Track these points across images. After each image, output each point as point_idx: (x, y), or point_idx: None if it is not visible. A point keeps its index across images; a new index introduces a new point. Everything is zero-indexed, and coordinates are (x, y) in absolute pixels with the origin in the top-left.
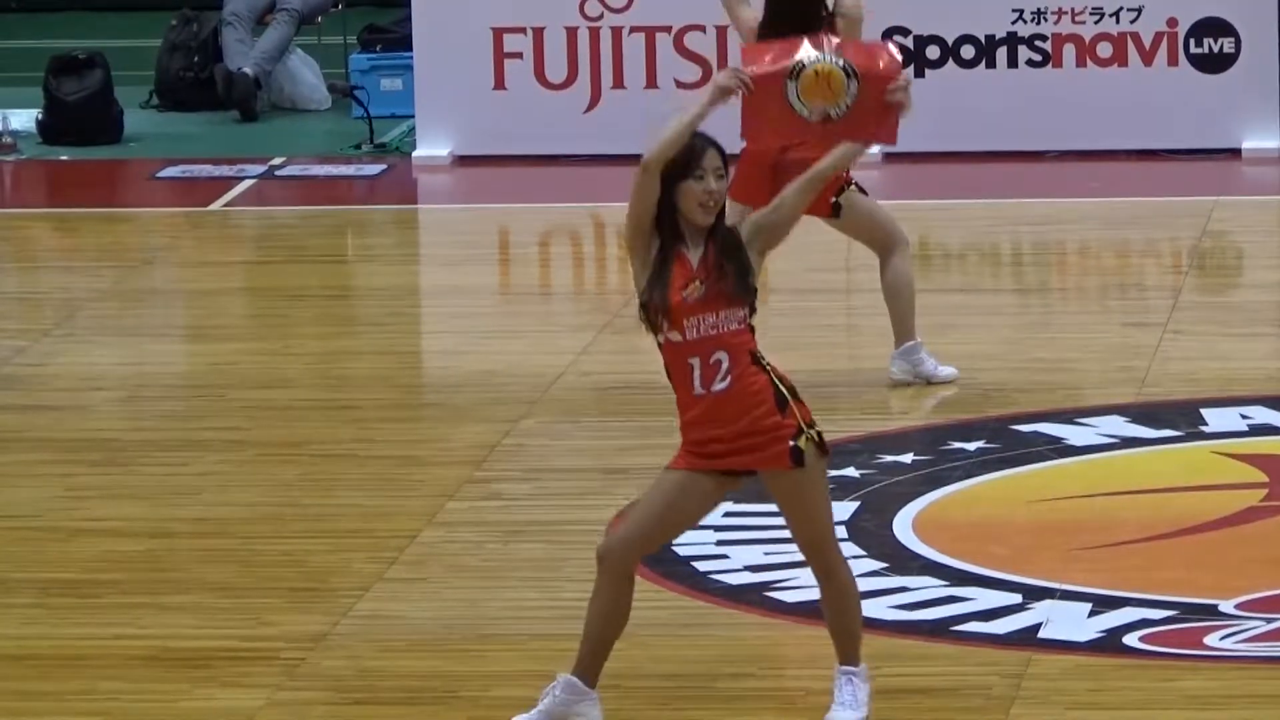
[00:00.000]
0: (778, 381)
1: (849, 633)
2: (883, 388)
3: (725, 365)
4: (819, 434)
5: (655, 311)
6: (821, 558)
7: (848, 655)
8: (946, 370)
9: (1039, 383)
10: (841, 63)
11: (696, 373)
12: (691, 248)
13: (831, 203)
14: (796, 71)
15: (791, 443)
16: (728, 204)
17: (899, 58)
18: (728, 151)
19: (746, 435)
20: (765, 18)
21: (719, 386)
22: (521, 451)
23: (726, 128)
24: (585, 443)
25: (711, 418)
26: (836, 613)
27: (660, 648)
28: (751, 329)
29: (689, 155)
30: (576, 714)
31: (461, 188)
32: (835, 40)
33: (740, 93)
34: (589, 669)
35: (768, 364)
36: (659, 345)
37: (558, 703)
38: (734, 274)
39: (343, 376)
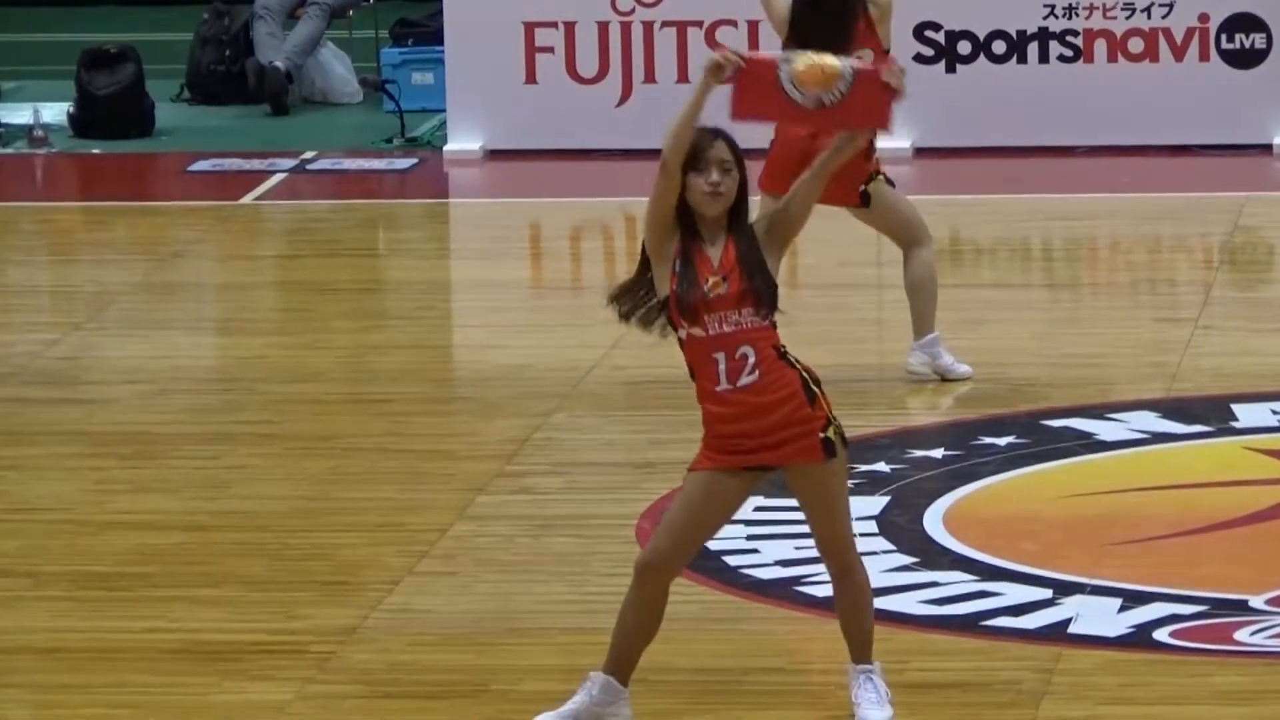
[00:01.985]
0: (805, 374)
1: (864, 631)
2: (914, 382)
3: (752, 360)
4: (840, 425)
5: (678, 307)
6: (840, 555)
7: (864, 654)
8: (963, 368)
9: (1070, 378)
10: (839, 58)
11: (722, 367)
12: (710, 244)
13: (860, 191)
14: (789, 58)
15: (822, 435)
16: (761, 198)
17: (899, 71)
18: (753, 147)
19: (779, 429)
20: (793, 18)
21: (746, 380)
22: (552, 445)
23: (747, 128)
24: (616, 437)
25: (743, 413)
26: (853, 612)
27: (691, 642)
28: (774, 324)
29: (695, 149)
30: (611, 714)
31: (492, 182)
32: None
33: (733, 71)
34: (622, 670)
35: (794, 357)
36: (680, 341)
37: (594, 702)
38: (753, 275)
39: (373, 370)
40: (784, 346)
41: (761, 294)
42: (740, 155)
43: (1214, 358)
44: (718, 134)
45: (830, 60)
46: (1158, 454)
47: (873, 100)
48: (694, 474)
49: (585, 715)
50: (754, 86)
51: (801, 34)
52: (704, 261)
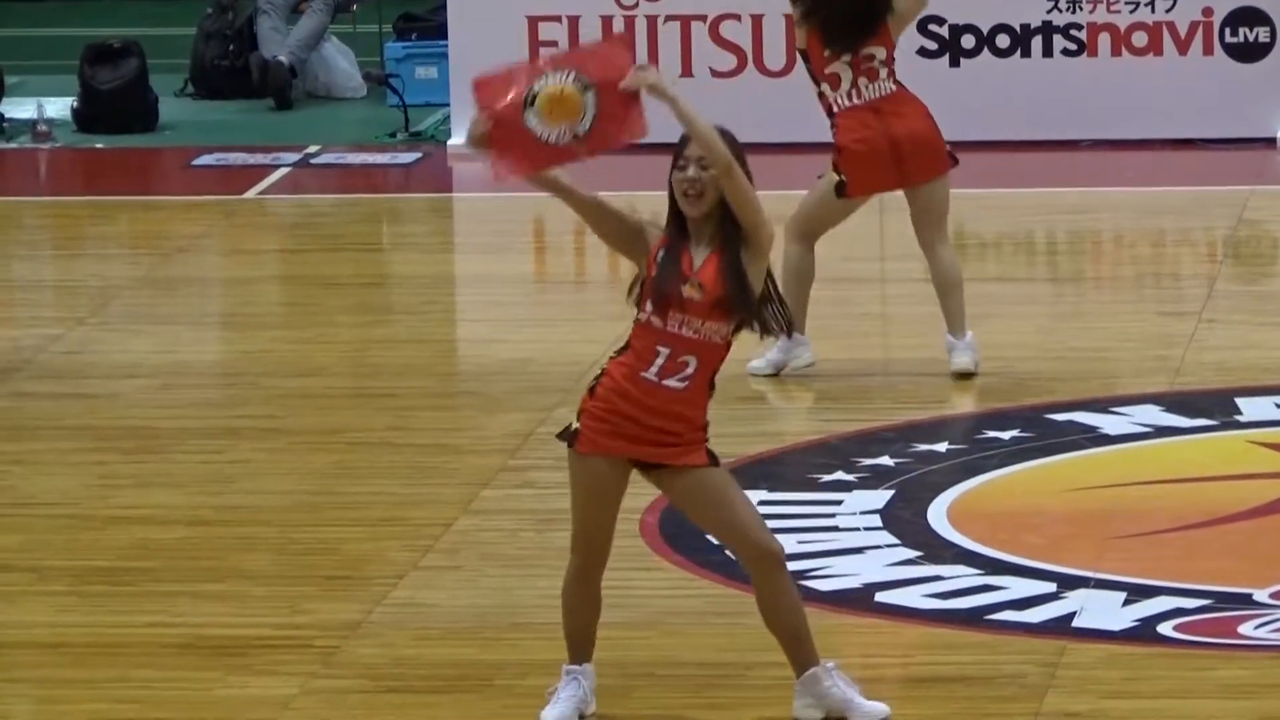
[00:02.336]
0: (709, 398)
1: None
2: (917, 376)
3: (690, 369)
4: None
5: (650, 293)
6: (751, 544)
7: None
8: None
9: (1074, 372)
10: (572, 78)
11: (659, 361)
12: (694, 244)
13: (948, 152)
14: (530, 100)
15: (708, 445)
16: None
17: (629, 56)
18: (758, 141)
19: (669, 435)
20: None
21: (672, 384)
22: (556, 440)
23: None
24: None
25: (643, 403)
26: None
27: (693, 636)
28: (729, 346)
29: (677, 147)
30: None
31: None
32: (557, 57)
33: (484, 129)
34: (586, 652)
35: (714, 385)
36: (635, 319)
37: (587, 691)
38: (727, 291)
39: (377, 365)
40: (718, 371)
41: (733, 309)
42: (739, 148)
43: (1218, 351)
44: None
45: (568, 86)
46: (1162, 448)
47: (621, 111)
48: (578, 459)
49: (583, 705)
50: (510, 144)
51: (830, 26)
52: (686, 261)
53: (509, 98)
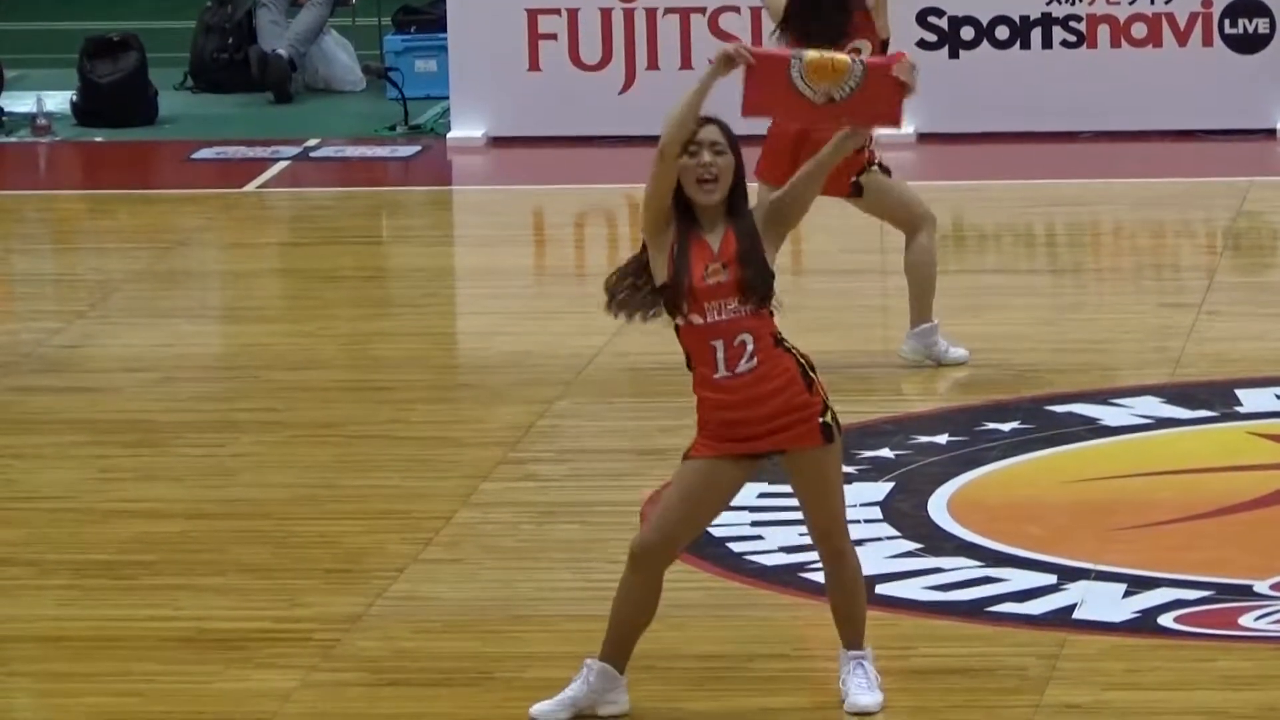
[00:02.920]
0: (802, 360)
1: (857, 617)
2: (919, 368)
3: (750, 347)
4: (834, 411)
5: (676, 294)
6: (834, 541)
7: (856, 640)
8: (957, 351)
9: (1074, 363)
10: (847, 55)
11: (720, 355)
12: (708, 231)
13: (851, 182)
14: (800, 55)
15: (821, 419)
16: (758, 186)
17: (911, 67)
18: (749, 132)
19: (778, 415)
20: (789, 10)
21: (745, 367)
22: (556, 432)
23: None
24: (620, 424)
25: (742, 400)
26: (848, 598)
27: (695, 629)
28: (771, 312)
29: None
30: (608, 702)
31: (496, 169)
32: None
33: (743, 67)
34: (618, 657)
35: (790, 344)
36: (676, 329)
37: (591, 689)
38: (750, 265)
39: (377, 358)
40: (780, 334)
41: (758, 284)
42: (734, 139)
43: (1218, 343)
44: (709, 118)
45: (840, 56)
46: (1162, 439)
47: (883, 96)
48: (692, 461)
49: (583, 703)
50: (764, 82)
51: (799, 26)
52: (703, 249)
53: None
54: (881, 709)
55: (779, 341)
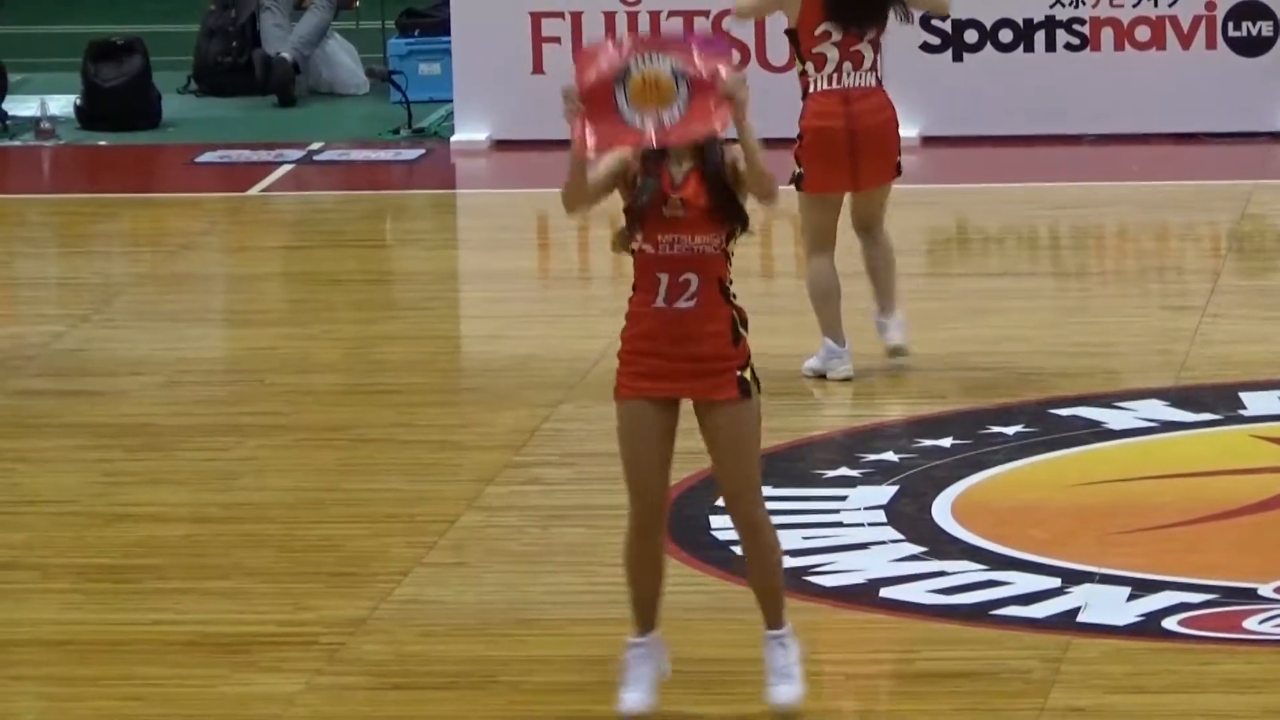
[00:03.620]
0: (737, 314)
1: (774, 592)
2: (921, 371)
3: (694, 286)
4: (754, 370)
5: (630, 220)
6: (745, 507)
7: (776, 618)
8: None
9: (1078, 367)
10: (668, 64)
11: (663, 286)
12: (675, 162)
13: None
14: (623, 79)
15: (739, 373)
16: (800, 198)
17: (730, 57)
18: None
19: (698, 361)
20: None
21: (682, 305)
22: (560, 436)
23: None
24: None
25: (664, 333)
26: (764, 571)
27: (700, 632)
28: (728, 256)
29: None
30: (666, 662)
31: (500, 172)
32: (658, 39)
33: (574, 107)
34: (651, 622)
35: (733, 295)
36: (632, 253)
37: (654, 659)
38: (717, 200)
39: (381, 361)
40: (729, 281)
41: (722, 217)
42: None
43: (1222, 346)
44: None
45: (664, 76)
46: (1166, 442)
47: (706, 108)
48: (619, 406)
49: (658, 676)
50: (602, 120)
51: (838, 12)
52: (665, 179)
53: (604, 68)
54: (801, 701)
55: (723, 289)
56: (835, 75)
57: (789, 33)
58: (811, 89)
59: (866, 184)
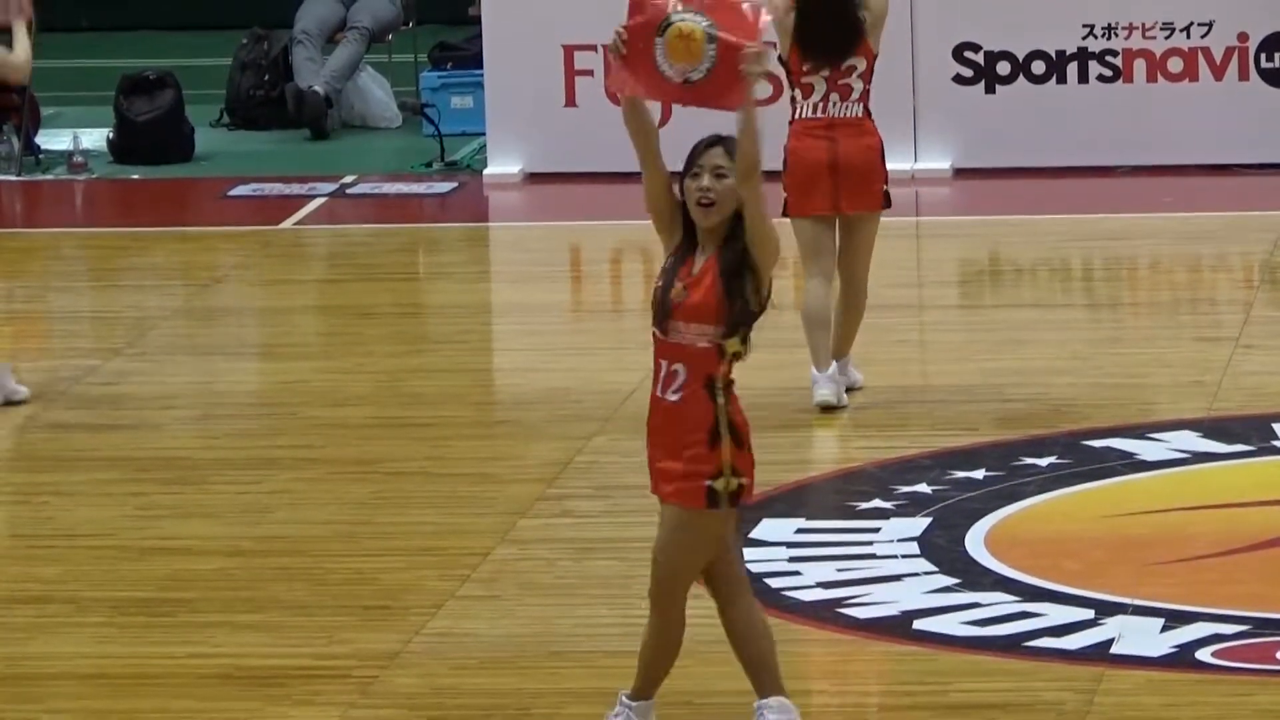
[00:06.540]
0: (721, 416)
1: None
2: (955, 403)
3: (681, 379)
4: (741, 485)
5: (652, 303)
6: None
7: (759, 688)
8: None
9: (1111, 398)
10: (705, 24)
11: (662, 374)
12: (701, 251)
13: (884, 192)
14: (664, 27)
15: (708, 483)
16: (791, 222)
17: (764, 19)
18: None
19: (669, 460)
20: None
21: (670, 398)
22: (594, 468)
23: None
24: None
25: (657, 425)
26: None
27: (732, 664)
28: (722, 351)
29: (691, 153)
30: None
31: (532, 205)
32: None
33: (620, 45)
34: (647, 692)
35: (722, 395)
36: None
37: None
38: (715, 290)
39: (414, 394)
40: (719, 380)
41: (714, 315)
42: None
43: (1255, 377)
44: (717, 140)
45: (698, 32)
46: (1199, 473)
47: (729, 79)
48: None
49: None
50: (633, 63)
51: (808, 46)
52: (686, 269)
53: (649, 14)
54: None
55: (710, 387)
56: (821, 104)
57: (781, 60)
58: (797, 115)
59: (848, 208)
